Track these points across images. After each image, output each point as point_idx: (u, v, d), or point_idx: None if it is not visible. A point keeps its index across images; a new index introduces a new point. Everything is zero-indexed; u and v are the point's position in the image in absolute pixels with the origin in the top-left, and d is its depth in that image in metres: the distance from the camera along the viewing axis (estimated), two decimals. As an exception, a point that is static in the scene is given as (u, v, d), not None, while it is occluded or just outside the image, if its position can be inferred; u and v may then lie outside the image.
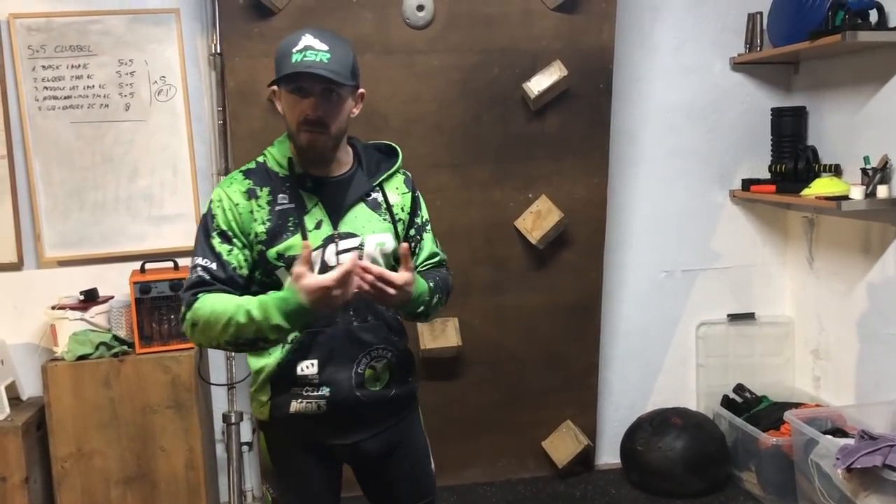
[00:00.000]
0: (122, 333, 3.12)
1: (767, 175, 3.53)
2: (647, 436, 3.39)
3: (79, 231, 3.23)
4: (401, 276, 1.78)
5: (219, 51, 3.15)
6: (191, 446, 3.05)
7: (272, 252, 1.85)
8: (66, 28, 3.13)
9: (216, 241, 1.85)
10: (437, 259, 2.08)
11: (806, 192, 3.16)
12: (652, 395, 3.72)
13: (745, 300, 3.71)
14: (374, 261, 1.89)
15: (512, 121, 3.23)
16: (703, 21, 3.51)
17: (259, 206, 1.86)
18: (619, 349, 3.68)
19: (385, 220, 1.95)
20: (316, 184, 1.90)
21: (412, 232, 2.03)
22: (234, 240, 1.85)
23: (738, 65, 3.55)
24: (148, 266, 3.15)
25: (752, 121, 3.58)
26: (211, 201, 1.89)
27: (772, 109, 3.52)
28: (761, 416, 3.37)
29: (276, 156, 1.93)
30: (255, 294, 1.84)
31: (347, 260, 1.71)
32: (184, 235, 3.28)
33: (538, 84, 3.12)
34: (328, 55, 1.77)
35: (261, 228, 1.85)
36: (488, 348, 3.39)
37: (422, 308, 1.93)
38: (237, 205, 1.85)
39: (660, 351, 3.71)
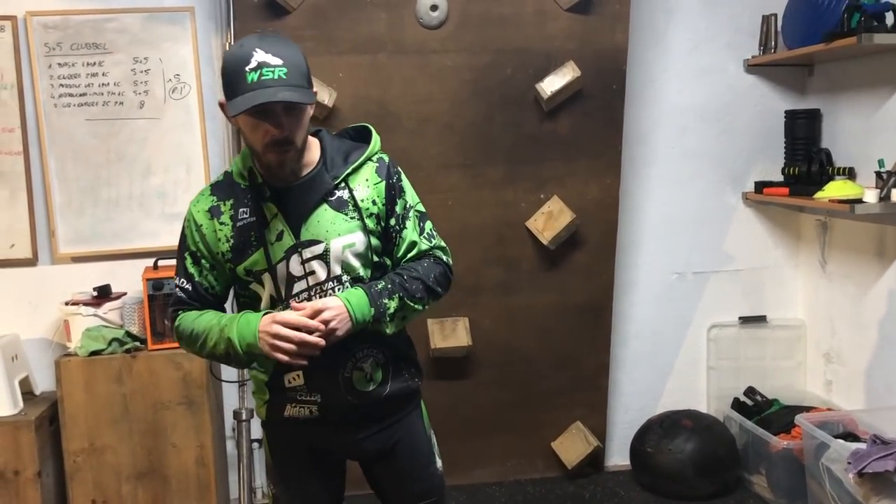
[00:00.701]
0: (134, 330, 3.14)
1: (780, 177, 3.52)
2: (657, 438, 3.38)
3: (93, 227, 3.25)
4: (307, 309, 1.75)
5: (233, 49, 3.15)
6: (202, 443, 3.07)
7: (240, 269, 1.86)
8: (82, 26, 3.15)
9: (188, 262, 1.91)
10: (416, 250, 1.92)
11: (819, 194, 3.15)
12: (662, 397, 3.71)
13: (756, 303, 3.69)
14: (345, 264, 1.84)
15: (524, 121, 3.23)
16: (717, 23, 3.50)
17: (221, 223, 1.85)
18: (629, 351, 3.67)
19: (353, 218, 1.84)
20: (275, 193, 1.84)
21: (392, 222, 1.90)
22: (203, 261, 1.89)
23: (752, 67, 3.54)
24: (161, 263, 3.16)
25: (765, 123, 3.57)
26: (184, 219, 1.92)
27: (786, 112, 3.50)
28: (772, 419, 3.35)
29: (239, 167, 1.89)
30: (242, 303, 1.94)
31: (315, 269, 1.80)
32: (196, 233, 3.30)
33: (551, 84, 3.12)
34: (285, 69, 1.68)
35: (225, 247, 1.85)
36: (499, 348, 3.39)
37: (372, 316, 1.80)
38: (200, 226, 1.87)
39: (671, 353, 3.70)
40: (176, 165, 3.28)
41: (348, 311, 1.77)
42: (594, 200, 3.33)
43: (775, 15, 3.44)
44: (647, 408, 3.66)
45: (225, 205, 1.86)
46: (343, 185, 1.86)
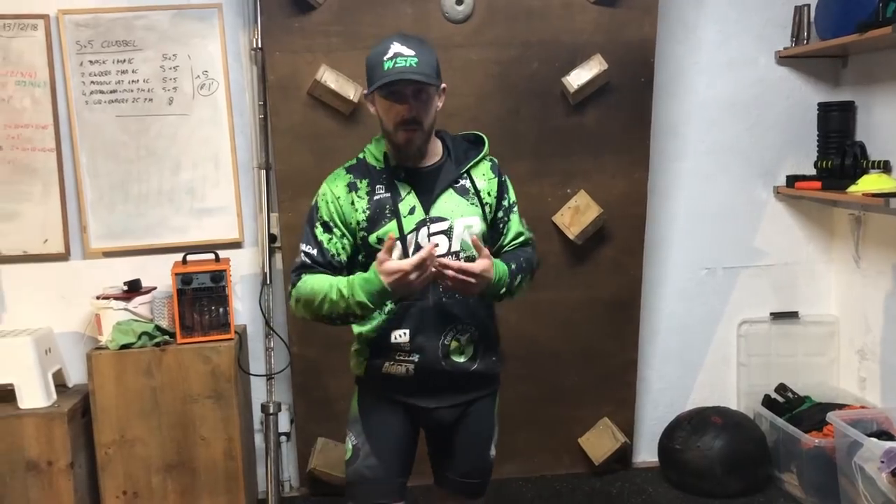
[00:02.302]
0: (164, 323, 3.18)
1: (813, 171, 3.46)
2: (685, 434, 3.35)
3: (123, 223, 3.29)
4: (478, 265, 1.96)
5: (260, 45, 3.17)
6: (230, 436, 3.09)
7: (373, 237, 2.06)
8: (112, 23, 3.19)
9: (318, 231, 2.09)
10: (522, 238, 2.22)
11: (853, 188, 3.08)
12: (692, 394, 3.67)
13: (788, 298, 3.64)
14: (463, 242, 2.08)
15: (551, 115, 3.21)
16: (748, 14, 3.45)
17: (359, 196, 2.07)
18: (658, 346, 3.64)
19: (473, 204, 2.11)
20: (409, 174, 2.08)
21: (500, 214, 2.18)
22: (335, 229, 2.08)
23: (783, 58, 3.48)
24: (190, 258, 3.21)
25: (797, 116, 3.51)
26: (317, 195, 2.12)
27: (818, 104, 3.44)
28: (804, 416, 3.31)
29: (373, 152, 2.13)
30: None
31: (432, 243, 2.00)
32: (225, 228, 3.33)
33: (577, 78, 3.10)
34: (416, 59, 1.95)
35: (361, 217, 2.07)
36: (524, 343, 3.38)
37: (504, 290, 2.07)
38: (339, 198, 2.08)
39: (700, 349, 3.66)
40: (204, 161, 3.31)
41: (491, 279, 2.00)
42: (622, 195, 3.30)
43: (808, 5, 3.38)
44: (676, 404, 3.62)
45: (361, 182, 2.09)
46: (465, 175, 2.13)
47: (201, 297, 3.09)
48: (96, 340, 3.15)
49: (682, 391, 3.67)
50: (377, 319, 2.09)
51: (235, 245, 3.36)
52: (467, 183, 2.13)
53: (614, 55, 3.13)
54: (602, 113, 3.22)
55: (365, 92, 2.05)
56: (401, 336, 2.08)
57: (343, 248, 2.09)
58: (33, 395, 3.00)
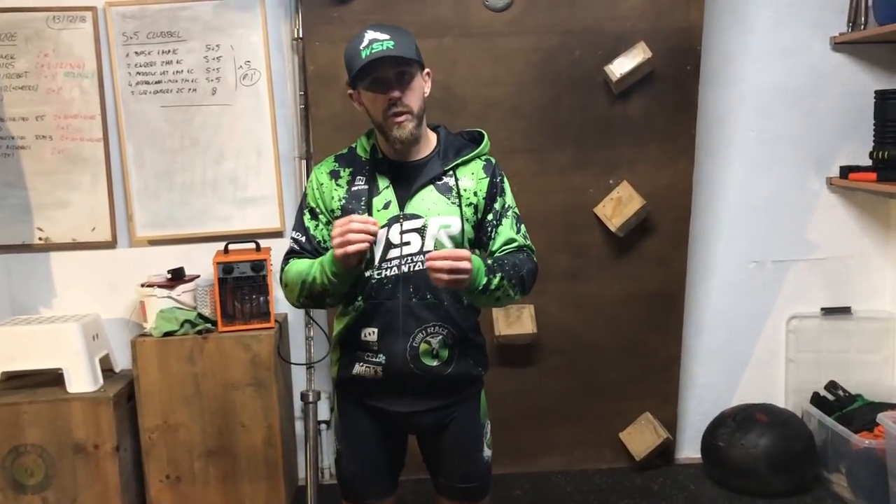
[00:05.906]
0: (207, 312, 3.22)
1: (868, 162, 3.32)
2: (729, 431, 3.27)
3: (168, 211, 3.34)
4: (460, 250, 1.90)
5: (301, 35, 3.17)
6: (269, 423, 3.13)
7: None
8: (157, 15, 3.23)
9: (306, 217, 2.11)
10: (514, 245, 2.08)
11: (910, 180, 2.96)
12: (738, 390, 3.58)
13: (841, 293, 3.51)
14: (437, 242, 2.01)
15: (593, 104, 3.15)
16: (802, -1, 3.33)
17: (338, 185, 2.07)
18: (703, 341, 3.55)
19: (453, 203, 2.03)
20: (392, 168, 2.05)
21: (489, 217, 2.08)
22: (320, 216, 2.09)
23: (839, 45, 3.34)
24: (231, 247, 3.24)
25: (853, 104, 3.37)
26: (307, 181, 2.14)
27: (875, 92, 3.29)
28: (854, 416, 3.20)
29: (363, 143, 2.12)
30: None
31: (411, 241, 1.98)
32: (267, 217, 3.36)
33: (620, 67, 3.03)
34: (392, 42, 1.91)
35: (336, 205, 2.06)
36: (565, 336, 3.34)
37: (479, 287, 1.92)
38: (321, 185, 2.09)
39: (747, 344, 3.57)
40: (247, 151, 3.33)
41: (473, 273, 1.88)
42: (666, 186, 3.23)
43: (867, -11, 3.25)
44: (721, 400, 3.53)
45: (344, 171, 2.08)
46: (451, 173, 2.06)
47: (242, 286, 3.12)
48: (141, 327, 3.21)
49: (728, 387, 3.58)
50: (349, 316, 2.06)
51: (277, 234, 3.38)
52: (451, 181, 2.05)
53: (659, 43, 3.06)
54: (646, 102, 3.15)
55: (350, 92, 2.04)
56: (370, 334, 2.04)
57: (328, 234, 2.03)
58: (81, 380, 3.07)
